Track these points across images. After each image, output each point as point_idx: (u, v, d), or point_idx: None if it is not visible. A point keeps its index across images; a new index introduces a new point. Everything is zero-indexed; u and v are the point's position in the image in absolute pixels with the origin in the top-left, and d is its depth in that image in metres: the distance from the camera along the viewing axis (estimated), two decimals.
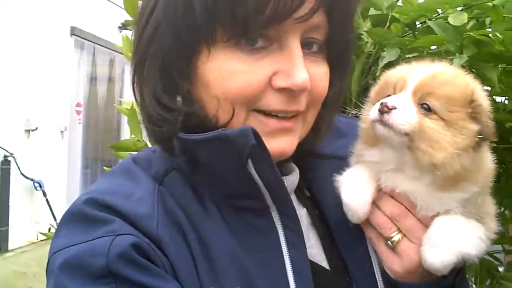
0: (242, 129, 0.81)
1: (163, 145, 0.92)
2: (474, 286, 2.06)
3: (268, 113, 0.88)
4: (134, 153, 1.09)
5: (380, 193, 0.96)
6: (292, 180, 0.99)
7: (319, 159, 1.07)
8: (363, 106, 1.01)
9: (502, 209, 1.88)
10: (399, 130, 0.87)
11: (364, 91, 1.78)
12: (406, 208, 0.93)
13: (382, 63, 1.55)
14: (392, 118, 0.87)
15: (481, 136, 0.90)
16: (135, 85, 0.92)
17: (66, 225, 0.84)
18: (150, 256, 0.79)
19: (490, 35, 1.51)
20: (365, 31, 1.66)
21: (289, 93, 0.86)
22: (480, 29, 1.51)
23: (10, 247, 6.70)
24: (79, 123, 8.96)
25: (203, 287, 0.81)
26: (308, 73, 0.85)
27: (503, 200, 1.77)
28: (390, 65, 1.59)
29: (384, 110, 0.87)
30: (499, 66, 1.62)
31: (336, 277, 0.97)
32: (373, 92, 1.01)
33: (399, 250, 0.92)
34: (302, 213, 1.01)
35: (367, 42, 1.70)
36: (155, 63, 0.87)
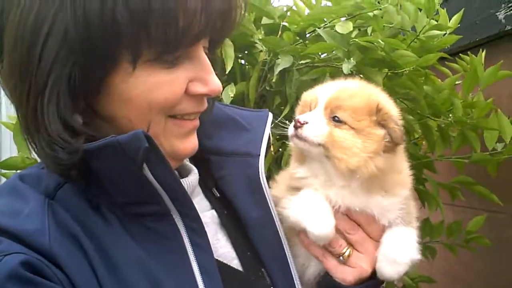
0: (133, 133, 0.80)
1: (56, 170, 0.85)
2: None
3: (184, 117, 0.92)
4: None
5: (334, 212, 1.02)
6: (191, 181, 0.99)
7: (225, 156, 1.08)
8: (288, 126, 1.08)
9: None
10: (312, 141, 0.98)
11: (261, 98, 1.83)
12: (356, 223, 1.02)
13: (277, 70, 1.61)
14: (305, 131, 0.98)
15: (390, 140, 1.00)
16: (24, 106, 0.83)
17: None
18: (43, 272, 0.75)
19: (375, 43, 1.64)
20: (260, 39, 1.70)
21: (201, 97, 0.92)
22: (365, 37, 1.63)
23: None
24: None
25: None
26: None
27: None
28: (284, 71, 1.67)
29: (297, 125, 0.98)
30: (385, 71, 1.76)
31: (247, 275, 0.98)
32: (296, 112, 1.09)
33: (351, 263, 1.00)
34: (210, 214, 1.01)
35: (261, 50, 1.75)
36: (61, 85, 0.81)
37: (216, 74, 0.98)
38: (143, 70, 0.84)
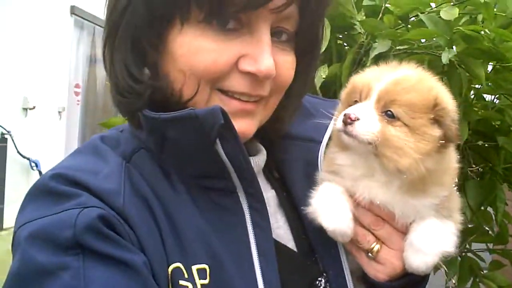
0: (211, 108, 0.82)
1: (129, 117, 0.93)
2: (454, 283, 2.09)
3: (231, 94, 0.90)
4: None
5: (356, 205, 0.98)
6: (258, 160, 1.00)
7: (289, 140, 1.09)
8: (336, 110, 1.03)
9: (484, 207, 1.91)
10: (363, 140, 0.91)
11: None
12: (381, 217, 0.97)
13: (372, 54, 1.57)
14: (356, 129, 0.90)
15: (444, 141, 0.93)
16: (105, 53, 0.92)
17: (33, 200, 0.83)
18: (116, 229, 0.79)
19: (482, 32, 1.53)
20: (359, 21, 1.67)
21: (254, 77, 0.87)
22: (472, 25, 1.53)
23: (5, 226, 6.74)
24: (78, 104, 8.92)
25: (170, 262, 0.82)
26: (274, 60, 0.87)
27: (487, 197, 1.80)
28: (380, 56, 1.62)
29: (348, 121, 0.91)
30: (489, 63, 1.64)
31: (302, 257, 0.99)
32: (343, 94, 1.03)
33: (381, 259, 0.96)
34: (270, 194, 1.02)
35: (359, 32, 1.71)
36: (127, 33, 0.87)
37: (308, 72, 0.98)
38: (193, 31, 0.84)
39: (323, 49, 1.64)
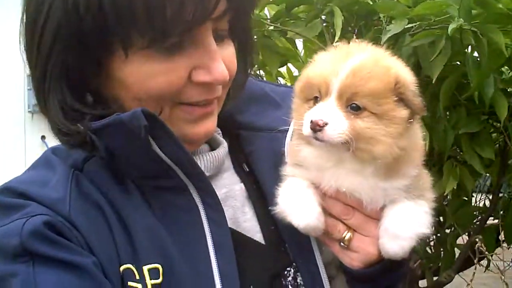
0: (134, 111, 0.81)
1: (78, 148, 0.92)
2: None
3: (192, 104, 0.91)
4: None
5: (323, 196, 0.96)
6: (218, 154, 1.00)
7: (255, 131, 1.07)
8: (294, 102, 1.00)
9: None
10: (335, 142, 0.89)
11: None
12: (350, 206, 0.94)
13: (385, 37, 1.49)
14: (326, 134, 0.88)
15: (411, 117, 0.90)
16: (40, 100, 0.90)
17: None
18: (64, 234, 0.81)
19: None
20: (374, 3, 1.59)
21: (209, 85, 0.89)
22: None
23: None
24: None
25: (121, 263, 0.83)
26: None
27: None
28: (397, 36, 1.53)
29: (317, 128, 0.88)
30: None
31: (270, 249, 0.98)
32: (298, 88, 0.99)
33: (354, 247, 0.94)
34: (238, 187, 1.02)
35: (379, 17, 1.63)
36: (59, 73, 0.86)
37: (247, 60, 0.98)
38: (138, 57, 0.84)
39: (336, 38, 1.62)
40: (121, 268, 0.82)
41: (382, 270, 0.93)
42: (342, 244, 0.94)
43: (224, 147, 1.02)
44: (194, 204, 0.89)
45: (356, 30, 1.84)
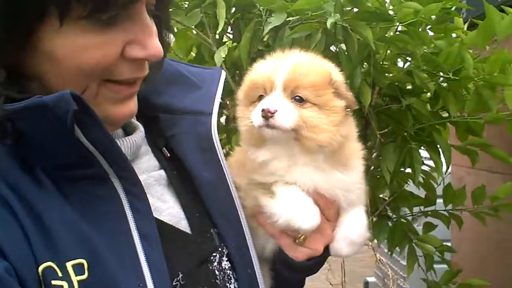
0: (60, 94, 0.75)
1: None
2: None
3: (119, 82, 0.87)
4: None
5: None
6: (135, 139, 0.96)
7: (176, 114, 1.06)
8: (238, 111, 1.09)
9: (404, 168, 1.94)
10: (286, 128, 0.97)
11: (259, 57, 1.79)
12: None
13: (267, 28, 1.57)
14: (277, 120, 0.96)
15: (348, 109, 1.03)
16: None
17: None
18: None
19: None
20: None
21: (141, 61, 0.87)
22: None
23: None
24: None
25: (39, 262, 0.76)
26: None
27: (403, 159, 1.82)
28: (278, 29, 1.63)
29: (268, 115, 0.96)
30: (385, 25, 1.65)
31: (194, 235, 0.97)
32: (240, 94, 1.07)
33: (307, 244, 1.04)
34: (157, 174, 0.99)
35: (259, 9, 1.71)
36: None
37: (162, 35, 0.95)
38: (73, 28, 0.78)
39: (219, 29, 1.67)
40: (40, 268, 0.75)
41: (319, 261, 1.07)
42: (297, 241, 1.04)
43: (140, 131, 0.99)
44: (115, 194, 0.85)
45: (232, 22, 1.90)
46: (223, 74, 1.13)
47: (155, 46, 0.85)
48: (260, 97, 1.01)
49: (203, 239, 0.98)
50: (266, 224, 1.05)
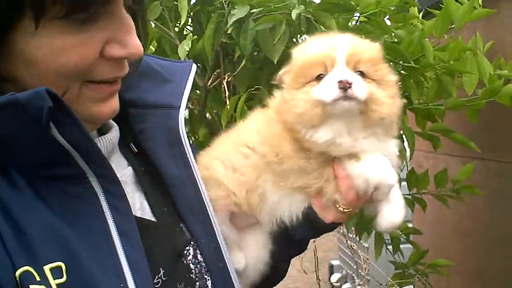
0: (36, 91, 0.73)
1: None
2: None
3: (100, 82, 0.85)
4: None
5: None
6: (111, 137, 0.95)
7: (145, 109, 1.04)
8: (279, 94, 1.08)
9: None
10: (361, 100, 0.97)
11: (225, 50, 1.78)
12: None
13: (231, 21, 1.56)
14: (355, 91, 0.97)
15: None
16: None
17: None
18: None
19: None
20: None
21: (121, 60, 0.84)
22: None
23: None
24: None
25: (16, 266, 0.73)
26: None
27: None
28: (241, 21, 1.62)
29: (347, 86, 0.96)
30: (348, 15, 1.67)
31: (167, 230, 0.96)
32: (288, 77, 1.05)
33: (346, 214, 1.08)
34: (127, 172, 0.98)
35: (221, 1, 1.69)
36: None
37: (139, 29, 0.91)
38: (49, 29, 0.76)
39: (182, 21, 1.64)
40: (18, 272, 0.73)
41: (335, 225, 1.11)
42: (341, 209, 1.07)
43: (116, 130, 0.97)
44: (93, 193, 0.83)
45: (191, 14, 1.88)
46: (194, 67, 1.11)
47: (134, 44, 0.83)
48: (319, 77, 1.00)
49: (175, 233, 0.97)
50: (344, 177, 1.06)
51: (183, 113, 1.05)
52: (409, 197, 2.14)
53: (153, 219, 0.96)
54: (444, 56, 1.65)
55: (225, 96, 1.59)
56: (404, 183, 2.15)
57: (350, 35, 1.05)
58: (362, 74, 0.99)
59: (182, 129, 1.04)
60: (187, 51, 1.60)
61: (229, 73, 1.64)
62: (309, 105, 0.99)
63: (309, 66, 1.01)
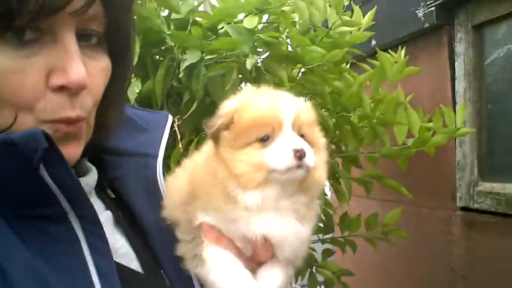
0: (31, 132, 0.72)
1: None
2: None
3: (54, 121, 0.81)
4: None
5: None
6: (89, 180, 0.93)
7: (120, 156, 1.03)
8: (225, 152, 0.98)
9: None
10: (310, 168, 0.91)
11: (169, 93, 1.80)
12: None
13: (183, 66, 1.58)
14: (309, 160, 0.91)
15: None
16: None
17: None
18: None
19: (281, 38, 1.64)
20: (168, 34, 1.67)
21: (68, 92, 0.79)
22: (271, 32, 1.63)
23: None
24: None
25: None
26: (87, 70, 0.79)
27: None
28: (193, 67, 1.65)
29: (303, 156, 0.90)
30: (293, 67, 1.77)
31: (148, 276, 0.95)
32: (229, 134, 0.96)
33: None
34: (106, 215, 0.96)
35: (171, 45, 1.72)
36: None
37: (116, 76, 0.90)
38: None
39: (134, 63, 1.64)
40: None
41: None
42: None
43: (94, 173, 0.95)
44: (74, 233, 0.81)
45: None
46: (170, 118, 1.12)
47: (76, 71, 0.77)
48: (263, 138, 0.93)
49: (156, 280, 0.96)
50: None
51: (161, 161, 1.06)
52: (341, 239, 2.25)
53: (135, 261, 0.95)
54: (380, 109, 1.78)
55: (176, 139, 1.59)
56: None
57: (288, 93, 1.00)
58: (303, 137, 0.94)
59: (160, 177, 1.04)
60: (136, 93, 1.59)
61: (178, 116, 1.65)
62: (250, 168, 0.93)
63: (252, 127, 0.94)
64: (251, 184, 0.94)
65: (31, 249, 0.77)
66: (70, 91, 0.79)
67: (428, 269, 2.77)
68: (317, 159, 0.93)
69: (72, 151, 0.85)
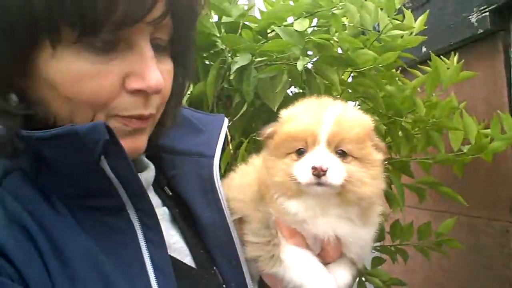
0: (94, 124, 0.76)
1: None
2: None
3: (127, 118, 0.86)
4: None
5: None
6: (147, 176, 0.97)
7: (178, 155, 1.07)
8: (267, 161, 1.04)
9: None
10: (337, 186, 0.93)
11: (219, 96, 1.81)
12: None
13: (234, 68, 1.59)
14: (329, 178, 0.93)
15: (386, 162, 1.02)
16: None
17: None
18: None
19: (332, 41, 1.62)
20: (219, 37, 1.68)
21: (144, 94, 0.85)
22: (323, 34, 1.61)
23: None
24: None
25: None
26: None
27: None
28: (243, 68, 1.65)
29: (321, 174, 0.92)
30: (344, 70, 1.74)
31: (200, 272, 0.97)
32: (271, 144, 1.02)
33: None
34: (162, 211, 1.00)
35: (222, 48, 1.73)
36: None
37: (178, 78, 0.95)
38: (67, 54, 0.78)
39: None
40: None
41: None
42: None
43: (152, 169, 0.99)
44: (131, 225, 0.85)
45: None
46: (226, 120, 1.16)
47: (154, 76, 0.83)
48: (300, 151, 0.97)
49: (209, 276, 0.98)
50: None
51: (217, 161, 1.09)
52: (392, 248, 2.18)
53: (189, 257, 0.97)
54: (434, 113, 1.73)
55: (226, 140, 1.59)
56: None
57: (341, 107, 1.01)
58: (344, 153, 0.95)
59: (217, 177, 1.07)
60: (188, 94, 1.61)
61: (228, 118, 1.65)
62: (287, 178, 0.97)
63: (291, 139, 0.98)
64: (289, 193, 0.98)
65: (91, 238, 0.81)
66: (146, 93, 0.85)
67: (484, 284, 2.64)
68: (363, 174, 0.95)
69: (140, 144, 0.91)
